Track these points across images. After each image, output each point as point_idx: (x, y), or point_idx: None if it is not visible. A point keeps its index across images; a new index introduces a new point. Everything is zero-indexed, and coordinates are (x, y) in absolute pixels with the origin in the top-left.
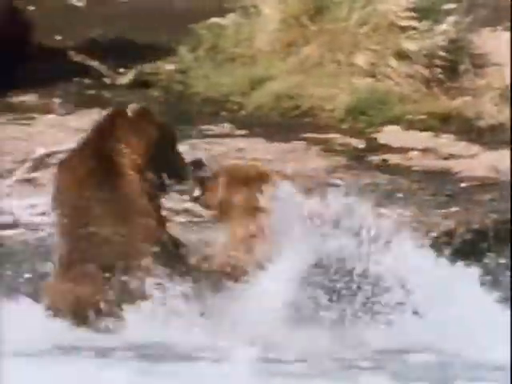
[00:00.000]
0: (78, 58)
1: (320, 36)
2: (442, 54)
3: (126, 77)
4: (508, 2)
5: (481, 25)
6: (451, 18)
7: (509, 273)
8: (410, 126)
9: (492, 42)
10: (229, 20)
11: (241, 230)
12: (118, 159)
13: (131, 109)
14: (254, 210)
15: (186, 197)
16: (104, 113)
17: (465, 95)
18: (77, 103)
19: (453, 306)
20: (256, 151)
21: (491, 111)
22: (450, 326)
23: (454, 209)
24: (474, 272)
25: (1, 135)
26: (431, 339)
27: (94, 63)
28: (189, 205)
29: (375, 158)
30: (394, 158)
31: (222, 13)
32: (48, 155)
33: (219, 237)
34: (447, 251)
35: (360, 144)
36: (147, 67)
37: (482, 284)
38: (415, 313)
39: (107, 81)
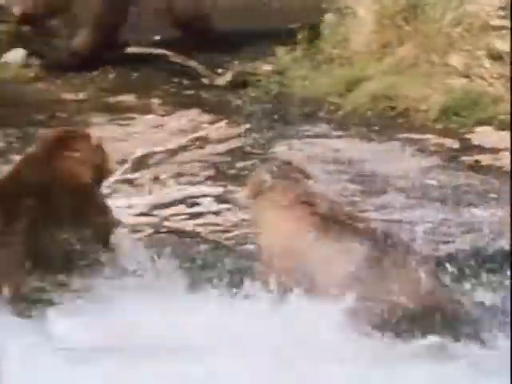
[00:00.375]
0: (176, 58)
1: (414, 37)
2: None
3: (224, 77)
4: None
5: None
6: None
7: None
8: (502, 126)
9: None
10: (325, 21)
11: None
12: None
13: (97, 138)
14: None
15: None
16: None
17: None
18: (175, 104)
19: None
20: (352, 151)
21: None
22: None
23: None
24: None
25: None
26: None
27: (193, 63)
28: None
29: (468, 159)
30: (486, 159)
31: (319, 13)
32: (147, 156)
33: None
34: None
35: (454, 144)
36: (245, 67)
37: None
38: None
39: (205, 81)
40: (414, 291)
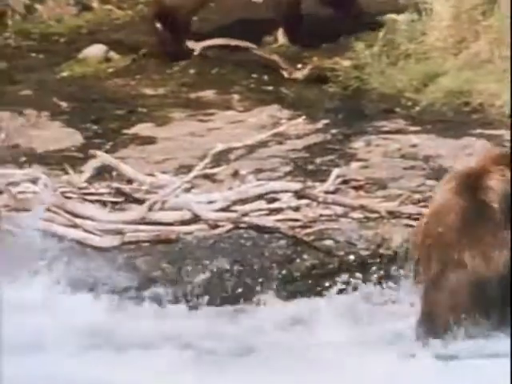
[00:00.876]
0: (259, 51)
1: (489, 32)
2: None
3: (302, 71)
4: None
5: None
6: None
7: None
8: None
9: None
10: (403, 16)
11: None
12: None
13: None
14: None
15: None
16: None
17: None
18: (255, 99)
19: None
20: (429, 148)
21: None
22: None
23: None
24: None
25: (179, 131)
26: None
27: (275, 57)
28: (365, 201)
29: None
30: None
31: (397, 9)
32: (227, 151)
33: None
34: None
35: None
36: (324, 63)
37: None
38: None
39: (285, 74)
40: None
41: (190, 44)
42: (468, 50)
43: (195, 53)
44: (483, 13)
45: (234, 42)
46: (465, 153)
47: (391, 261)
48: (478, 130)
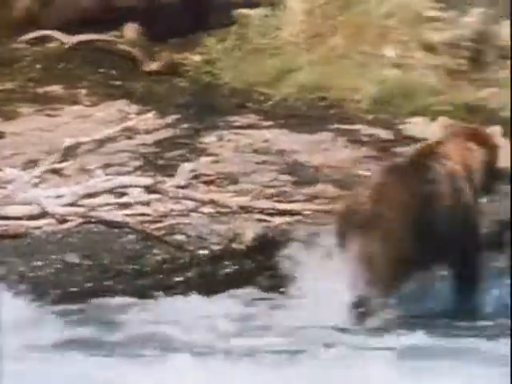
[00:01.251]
0: (121, 45)
1: (346, 27)
2: (467, 45)
3: (151, 65)
4: None
5: (507, 16)
6: (477, 10)
7: None
8: (436, 117)
9: None
10: (256, 11)
11: None
12: None
13: None
14: None
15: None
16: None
17: (490, 86)
18: (103, 94)
19: None
20: (283, 142)
21: None
22: None
23: None
24: None
25: (27, 126)
26: None
27: (134, 50)
28: (216, 196)
29: (401, 149)
30: None
31: (251, 4)
32: (75, 146)
33: None
34: None
35: (386, 135)
36: (174, 58)
37: None
38: None
39: (143, 67)
40: None
41: (62, 37)
42: (324, 44)
43: (66, 46)
44: (339, 8)
45: (103, 37)
46: (321, 148)
47: (244, 255)
48: (335, 125)
